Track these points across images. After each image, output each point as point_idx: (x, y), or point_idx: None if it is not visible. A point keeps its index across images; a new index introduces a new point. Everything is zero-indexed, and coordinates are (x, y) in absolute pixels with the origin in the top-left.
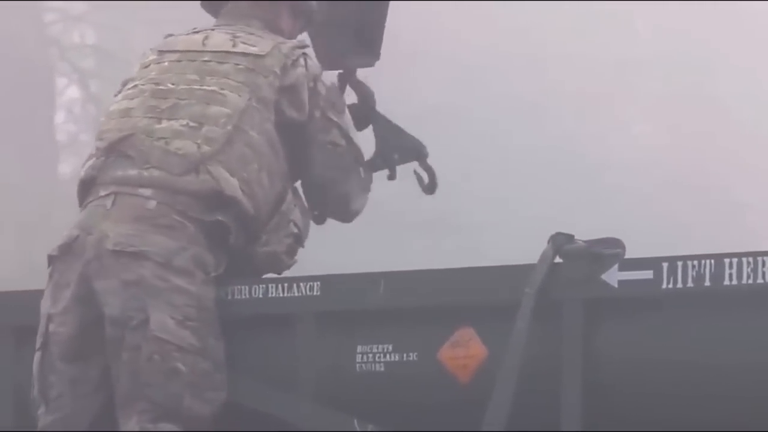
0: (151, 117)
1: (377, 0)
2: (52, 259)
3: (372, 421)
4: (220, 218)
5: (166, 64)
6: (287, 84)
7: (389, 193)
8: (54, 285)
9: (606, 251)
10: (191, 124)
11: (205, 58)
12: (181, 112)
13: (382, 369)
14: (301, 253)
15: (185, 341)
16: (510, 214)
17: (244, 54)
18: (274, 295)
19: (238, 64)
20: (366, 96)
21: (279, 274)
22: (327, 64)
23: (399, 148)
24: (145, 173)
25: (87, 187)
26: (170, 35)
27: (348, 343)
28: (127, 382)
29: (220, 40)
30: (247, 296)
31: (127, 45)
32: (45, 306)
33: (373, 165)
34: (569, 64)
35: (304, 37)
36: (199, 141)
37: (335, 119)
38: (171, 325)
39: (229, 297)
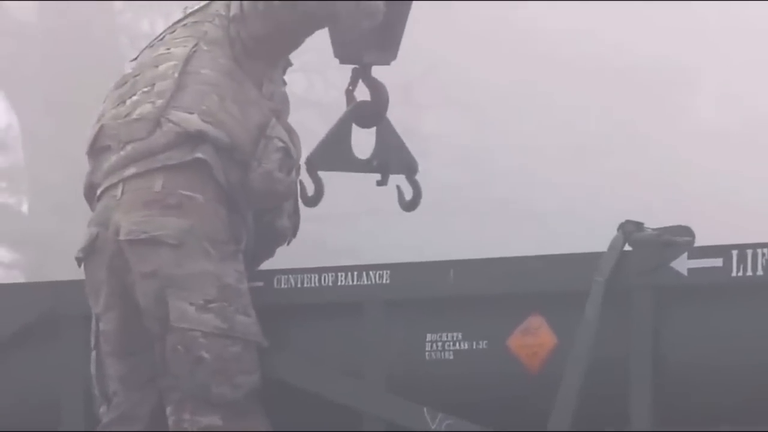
0: (117, 105)
1: None
2: (80, 261)
3: (441, 409)
4: (199, 155)
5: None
6: (232, 13)
7: (460, 182)
8: (90, 285)
9: (675, 239)
10: (145, 89)
11: (162, 36)
12: (138, 84)
13: (452, 357)
14: (368, 240)
15: (209, 325)
16: (580, 201)
17: (190, 14)
18: (343, 283)
19: (185, 24)
20: (379, 95)
21: (279, 195)
22: (343, 57)
23: (395, 158)
24: (123, 153)
25: (90, 193)
26: None
27: (417, 331)
28: (161, 372)
29: (177, 17)
30: (317, 284)
31: (174, 18)
32: (91, 305)
33: (368, 165)
34: (632, 44)
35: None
36: (153, 99)
37: None
38: (191, 312)
39: (299, 285)
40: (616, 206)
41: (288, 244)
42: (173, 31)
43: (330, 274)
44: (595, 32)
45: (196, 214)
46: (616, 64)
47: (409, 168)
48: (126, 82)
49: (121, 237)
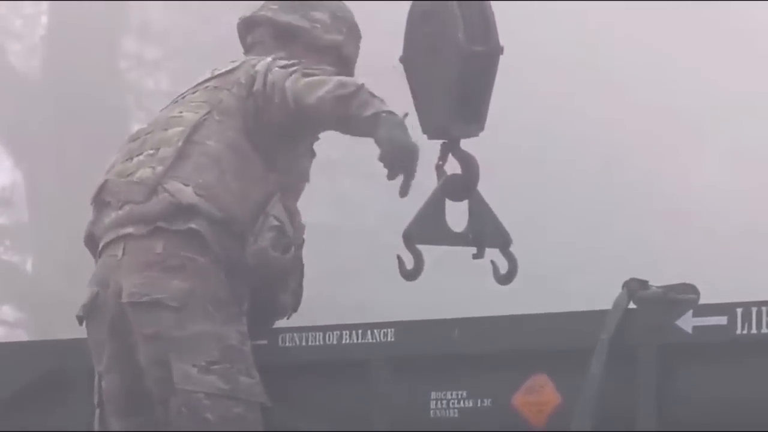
0: (125, 160)
1: (484, 67)
2: (81, 320)
3: None
4: (192, 226)
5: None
6: (250, 81)
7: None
8: (92, 344)
9: (680, 297)
10: (150, 151)
11: (184, 94)
12: (146, 144)
13: (457, 415)
14: (376, 297)
15: (213, 386)
16: (587, 260)
17: (215, 76)
18: (348, 341)
19: (207, 87)
20: (469, 168)
21: (273, 272)
22: (431, 132)
23: (489, 231)
24: (121, 212)
25: (91, 243)
26: None
27: (422, 389)
28: None
29: (204, 76)
30: (321, 342)
31: (199, 77)
32: (94, 363)
33: (464, 239)
34: (643, 108)
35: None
36: (154, 164)
37: (292, 63)
38: (194, 374)
39: (303, 343)
40: (620, 264)
41: (288, 318)
42: (195, 92)
43: (335, 332)
44: (595, 94)
45: (197, 276)
46: (620, 121)
47: (503, 241)
48: (138, 138)
49: (123, 299)
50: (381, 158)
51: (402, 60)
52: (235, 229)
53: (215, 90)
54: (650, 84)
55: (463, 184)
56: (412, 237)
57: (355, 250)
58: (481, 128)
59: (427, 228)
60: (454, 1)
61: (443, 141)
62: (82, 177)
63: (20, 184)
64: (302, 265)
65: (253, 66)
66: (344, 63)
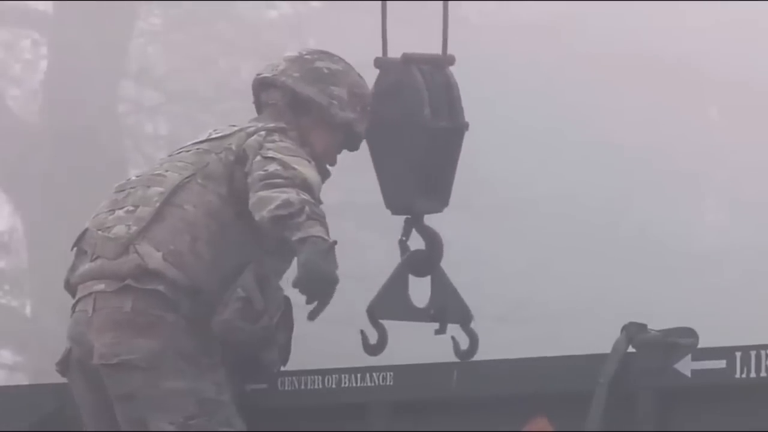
0: (108, 210)
1: (449, 143)
2: (60, 373)
3: None
4: (160, 288)
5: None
6: (241, 153)
7: (465, 282)
8: (75, 396)
9: (679, 341)
10: (130, 208)
11: (179, 151)
12: (128, 199)
13: None
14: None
15: None
16: (587, 304)
17: (209, 139)
18: (347, 385)
19: (198, 149)
20: (433, 243)
21: (241, 343)
22: (394, 208)
23: (451, 307)
24: (94, 265)
25: (69, 290)
26: None
27: None
28: None
29: (202, 135)
30: (320, 386)
31: (200, 136)
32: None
33: (426, 314)
34: (645, 150)
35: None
36: (130, 223)
37: (275, 155)
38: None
39: (302, 387)
40: (625, 305)
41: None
42: (188, 150)
43: (333, 376)
44: (602, 138)
45: (166, 333)
46: (622, 162)
47: (464, 317)
48: (124, 190)
49: (95, 361)
50: (295, 282)
51: (366, 135)
52: (201, 297)
53: (204, 153)
54: (652, 123)
55: (426, 260)
56: (375, 312)
57: (352, 295)
58: (446, 204)
59: (389, 303)
60: (420, 76)
61: (407, 216)
62: (81, 221)
63: (19, 229)
64: (292, 322)
65: (248, 134)
66: (351, 138)
